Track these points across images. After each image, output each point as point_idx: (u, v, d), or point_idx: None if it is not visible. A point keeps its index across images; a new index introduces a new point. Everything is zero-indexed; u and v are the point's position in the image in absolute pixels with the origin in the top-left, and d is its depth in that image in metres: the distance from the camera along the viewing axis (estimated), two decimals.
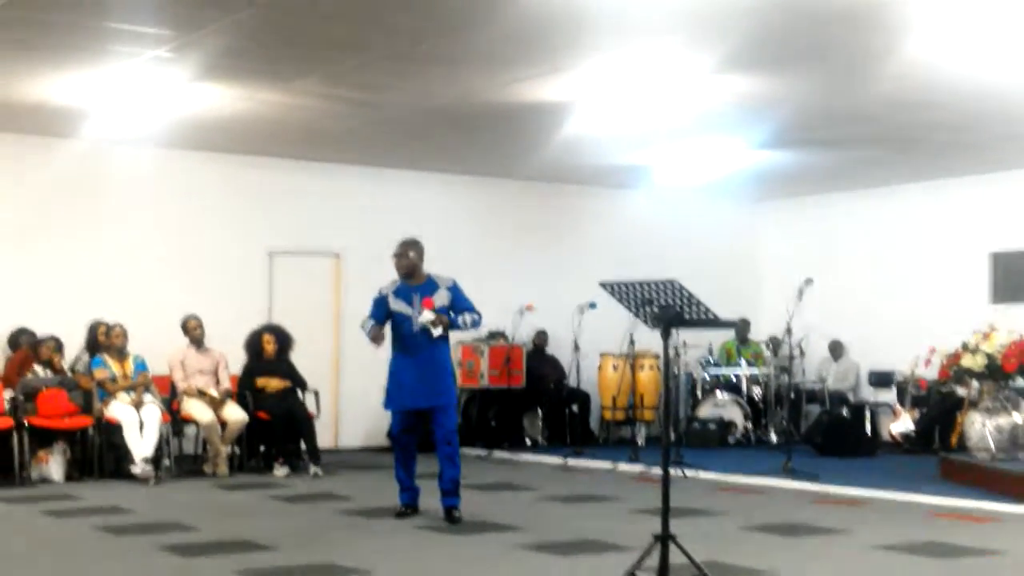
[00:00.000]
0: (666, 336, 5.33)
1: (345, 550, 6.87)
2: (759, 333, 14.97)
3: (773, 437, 13.94)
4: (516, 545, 7.06)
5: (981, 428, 10.21)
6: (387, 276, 13.38)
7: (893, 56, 8.44)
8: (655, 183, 14.13)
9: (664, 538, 5.41)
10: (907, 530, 7.63)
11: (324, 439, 12.31)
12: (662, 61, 8.71)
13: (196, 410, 10.95)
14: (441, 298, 8.15)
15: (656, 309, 5.28)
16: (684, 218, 15.43)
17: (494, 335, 13.74)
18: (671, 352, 13.53)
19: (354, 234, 13.56)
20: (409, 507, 8.30)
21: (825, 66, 8.96)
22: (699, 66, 8.82)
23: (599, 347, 13.74)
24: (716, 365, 14.55)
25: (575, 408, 14.14)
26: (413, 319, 8.07)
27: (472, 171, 14.01)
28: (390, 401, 8.26)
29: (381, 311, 8.25)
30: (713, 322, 5.24)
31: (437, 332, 8.00)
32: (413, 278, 8.25)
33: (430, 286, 8.23)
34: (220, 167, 12.84)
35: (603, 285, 5.49)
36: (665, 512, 5.47)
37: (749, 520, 8.08)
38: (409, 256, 8.27)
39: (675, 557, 5.41)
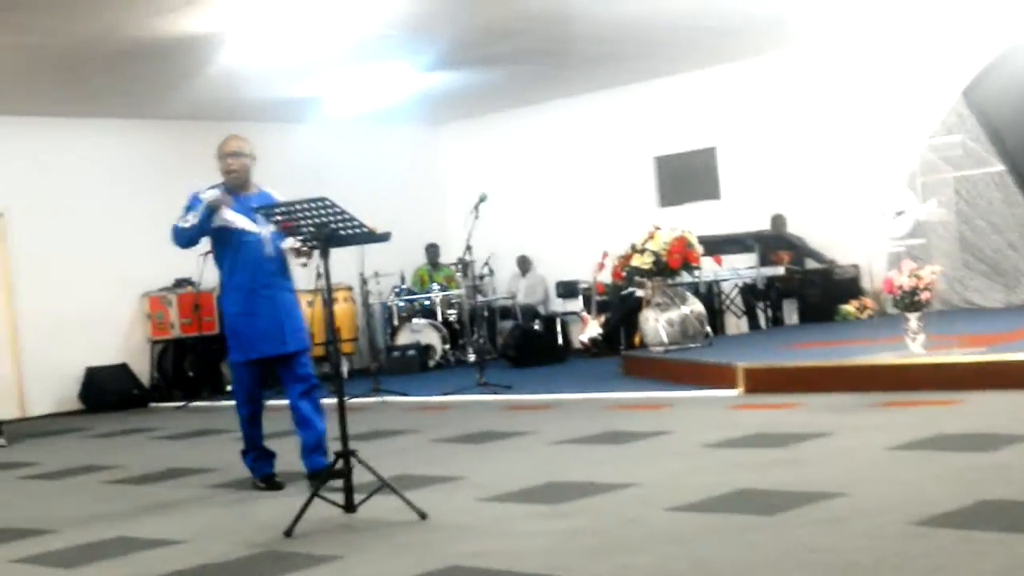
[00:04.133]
0: (325, 255, 5.34)
1: (29, 512, 6.60)
2: (451, 256, 15.25)
3: (471, 356, 14.28)
4: (205, 486, 6.99)
5: (655, 323, 10.80)
6: (59, 233, 12.96)
7: None
8: (326, 114, 14.00)
9: (345, 454, 5.46)
10: (589, 423, 8.01)
11: (7, 409, 11.72)
12: None
13: None
14: None
15: (311, 228, 5.28)
16: (362, 148, 15.38)
17: (180, 282, 13.40)
18: (363, 282, 13.73)
19: (16, 190, 12.84)
20: (274, 475, 6.66)
21: None
22: None
23: None
24: (410, 292, 14.74)
25: None
26: (263, 239, 6.29)
27: (134, 114, 13.45)
28: (240, 349, 6.43)
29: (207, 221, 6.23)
30: (369, 236, 5.29)
31: (303, 263, 6.37)
32: (245, 187, 6.45)
33: (266, 200, 6.31)
34: None
35: (255, 210, 5.43)
36: (343, 428, 5.52)
37: (441, 433, 8.28)
38: (246, 154, 6.45)
39: (366, 475, 5.48)
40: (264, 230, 6.29)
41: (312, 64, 11.37)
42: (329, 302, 5.45)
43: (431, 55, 11.43)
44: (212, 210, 6.21)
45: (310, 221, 5.34)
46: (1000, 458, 5.47)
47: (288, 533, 5.20)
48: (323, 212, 5.25)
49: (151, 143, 13.77)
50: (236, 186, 6.41)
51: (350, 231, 5.29)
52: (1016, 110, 11.95)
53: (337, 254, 11.23)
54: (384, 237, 5.31)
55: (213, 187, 6.41)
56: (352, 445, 5.50)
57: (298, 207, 5.35)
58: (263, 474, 6.64)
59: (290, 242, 6.12)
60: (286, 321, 6.43)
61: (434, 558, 4.53)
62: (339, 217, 5.25)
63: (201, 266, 12.65)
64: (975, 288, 12.29)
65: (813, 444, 6.36)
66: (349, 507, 5.49)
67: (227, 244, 6.35)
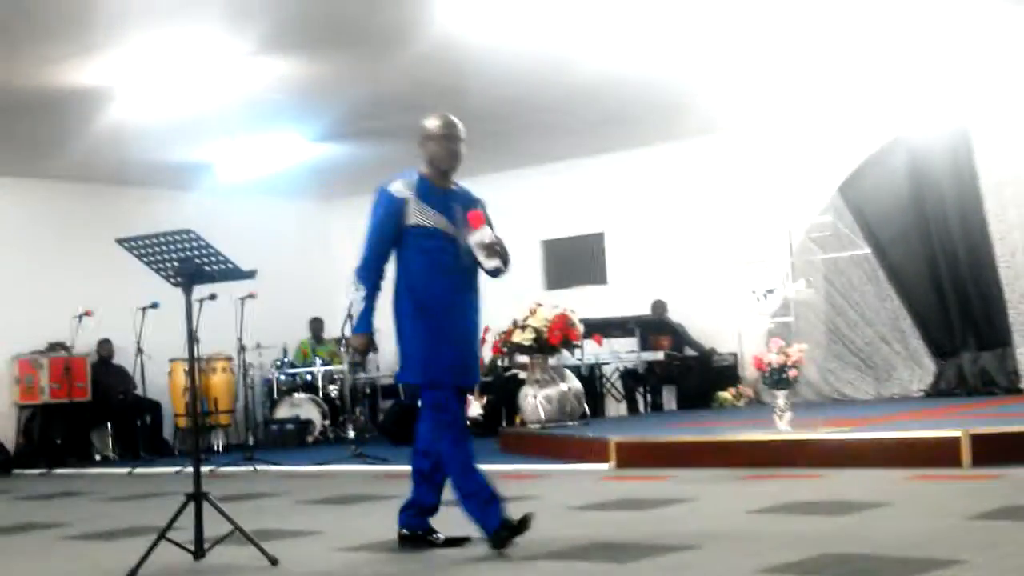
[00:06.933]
0: (188, 291, 5.26)
1: None
2: (336, 331, 15.13)
3: (351, 433, 14.09)
4: (57, 538, 6.77)
5: (533, 400, 10.83)
6: None
7: (420, 33, 8.69)
8: (218, 181, 13.85)
9: (197, 497, 5.34)
10: None
11: None
12: (200, 42, 8.62)
13: None
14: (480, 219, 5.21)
15: (174, 264, 5.21)
16: (252, 219, 15.23)
17: (53, 346, 13.09)
18: (240, 349, 13.44)
19: None
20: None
21: (359, 50, 9.16)
22: (237, 48, 8.80)
23: (168, 353, 13.35)
24: (292, 366, 14.58)
25: (147, 419, 13.70)
26: (462, 241, 5.21)
27: (12, 172, 13.22)
28: (441, 371, 5.19)
29: (390, 231, 5.21)
30: (235, 273, 5.24)
31: (492, 265, 5.21)
32: (449, 178, 5.32)
33: (467, 198, 5.28)
34: None
35: (119, 242, 5.34)
36: (196, 468, 5.41)
37: (307, 496, 8.14)
38: (462, 140, 5.26)
39: (219, 526, 5.35)
40: (465, 231, 5.18)
41: (202, 126, 11.27)
42: (190, 340, 5.31)
43: (321, 124, 11.48)
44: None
45: (174, 256, 5.27)
46: (846, 522, 5.55)
47: None
48: (187, 246, 5.19)
49: (31, 202, 13.56)
50: (444, 173, 5.26)
51: (216, 267, 5.22)
52: (889, 207, 12.38)
53: (218, 322, 11.05)
54: (250, 275, 5.24)
55: (410, 182, 5.22)
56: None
57: (161, 239, 5.26)
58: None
59: (482, 234, 5.09)
60: (476, 344, 5.43)
61: None
62: (204, 251, 5.19)
63: (75, 329, 12.48)
64: (847, 380, 12.56)
65: (674, 508, 6.40)
66: (198, 553, 5.35)
67: (418, 246, 5.22)
